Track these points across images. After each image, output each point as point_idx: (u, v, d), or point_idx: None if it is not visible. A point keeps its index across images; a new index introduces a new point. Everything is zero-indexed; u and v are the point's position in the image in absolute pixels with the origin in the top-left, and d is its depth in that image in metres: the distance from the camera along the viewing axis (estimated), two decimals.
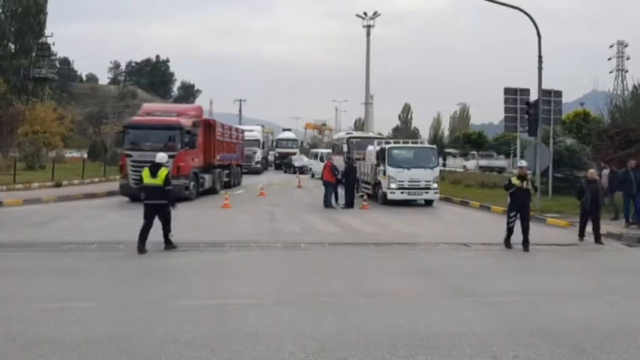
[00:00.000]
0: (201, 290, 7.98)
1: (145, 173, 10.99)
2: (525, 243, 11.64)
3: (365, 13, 51.65)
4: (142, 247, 10.54)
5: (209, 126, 23.57)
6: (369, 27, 51.67)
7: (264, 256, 10.92)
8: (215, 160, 23.57)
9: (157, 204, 10.81)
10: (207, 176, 22.72)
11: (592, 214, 12.83)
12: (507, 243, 11.87)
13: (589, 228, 12.99)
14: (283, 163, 48.97)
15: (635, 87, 25.86)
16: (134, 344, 5.60)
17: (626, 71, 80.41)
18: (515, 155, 22.81)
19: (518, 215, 11.80)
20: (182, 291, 7.88)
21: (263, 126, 54.74)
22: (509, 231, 11.87)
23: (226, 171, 26.30)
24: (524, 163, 13.02)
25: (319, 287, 8.20)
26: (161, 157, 11.38)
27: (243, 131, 32.91)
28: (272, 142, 55.36)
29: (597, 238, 12.79)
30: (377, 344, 5.64)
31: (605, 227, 13.57)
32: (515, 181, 11.95)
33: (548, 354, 5.48)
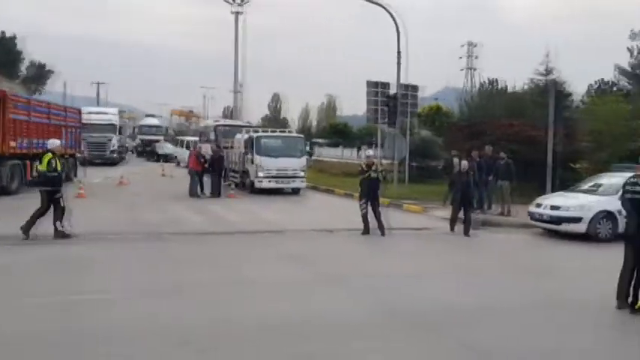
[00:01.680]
0: (50, 286, 7.35)
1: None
2: (380, 228, 12.20)
3: None
4: (26, 230, 10.46)
5: None
6: (237, 13, 51.11)
7: (125, 248, 10.36)
8: (8, 147, 16.94)
9: (46, 190, 10.74)
10: None
11: (463, 205, 12.81)
12: (365, 229, 12.31)
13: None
14: (146, 151, 46.82)
15: (481, 84, 28.49)
16: None
17: (475, 69, 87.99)
18: (377, 145, 23.98)
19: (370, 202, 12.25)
20: (29, 287, 7.22)
21: (123, 111, 51.76)
22: (363, 217, 12.34)
23: None
24: (371, 152, 13.55)
25: (183, 278, 7.98)
26: (51, 142, 11.47)
27: (79, 112, 26.38)
28: (134, 128, 52.48)
29: (466, 231, 12.61)
30: (244, 334, 5.64)
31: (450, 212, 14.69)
32: (365, 168, 12.48)
33: (405, 332, 5.86)
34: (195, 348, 5.20)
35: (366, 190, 12.36)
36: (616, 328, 6.49)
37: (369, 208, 12.27)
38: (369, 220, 12.30)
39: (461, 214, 12.90)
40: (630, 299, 6.75)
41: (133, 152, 49.79)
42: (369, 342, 5.52)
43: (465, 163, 13.49)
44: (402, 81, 21.94)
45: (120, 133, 39.43)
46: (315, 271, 8.81)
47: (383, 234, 12.16)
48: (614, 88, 49.96)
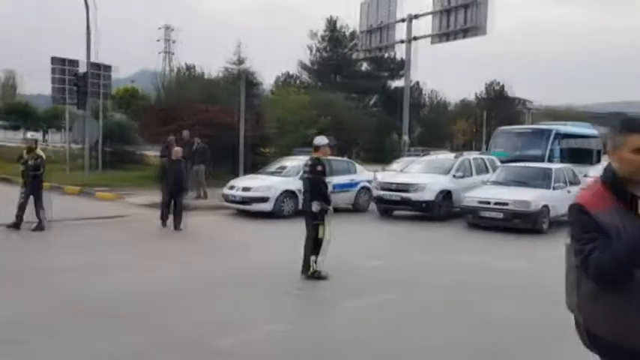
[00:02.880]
0: None
1: None
2: (38, 221, 10.81)
3: None
4: None
5: None
6: None
7: None
8: None
9: None
10: None
11: (174, 196, 11.69)
12: (17, 221, 10.73)
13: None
14: None
15: (178, 69, 28.55)
16: None
17: (173, 53, 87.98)
18: (66, 129, 21.96)
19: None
20: None
21: None
22: (20, 207, 10.77)
23: None
24: (29, 135, 12.08)
25: None
26: None
27: None
28: None
29: (177, 226, 11.61)
30: None
31: (149, 198, 14.35)
32: (25, 155, 10.98)
33: (95, 323, 5.42)
34: None
35: (25, 178, 10.86)
36: (294, 294, 7.18)
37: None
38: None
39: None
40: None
41: None
42: (49, 340, 4.93)
43: (178, 149, 12.43)
44: (93, 59, 20.53)
45: None
46: None
47: (38, 229, 10.68)
48: (297, 81, 56.36)
